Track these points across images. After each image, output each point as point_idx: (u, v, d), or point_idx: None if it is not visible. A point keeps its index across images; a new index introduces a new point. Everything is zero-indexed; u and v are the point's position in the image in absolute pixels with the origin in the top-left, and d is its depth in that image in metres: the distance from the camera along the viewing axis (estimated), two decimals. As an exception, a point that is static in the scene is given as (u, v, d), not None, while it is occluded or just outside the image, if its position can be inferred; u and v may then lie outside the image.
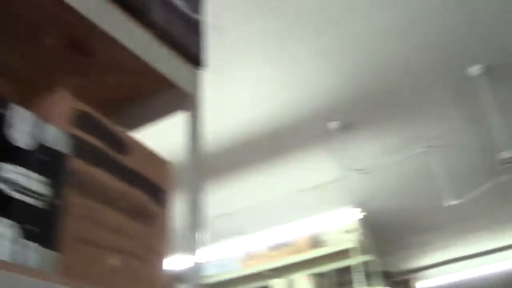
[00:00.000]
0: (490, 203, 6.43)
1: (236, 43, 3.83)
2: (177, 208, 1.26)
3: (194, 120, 1.37)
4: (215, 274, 6.61)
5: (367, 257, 5.97)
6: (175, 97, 1.37)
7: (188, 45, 1.42)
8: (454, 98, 4.74)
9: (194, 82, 1.41)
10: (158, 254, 1.14)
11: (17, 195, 0.83)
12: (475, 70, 4.36)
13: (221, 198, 5.95)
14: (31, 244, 0.83)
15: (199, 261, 1.27)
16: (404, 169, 5.68)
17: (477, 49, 4.21)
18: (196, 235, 1.29)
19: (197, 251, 1.28)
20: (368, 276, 5.94)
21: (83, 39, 1.22)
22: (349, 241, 5.96)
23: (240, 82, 4.24)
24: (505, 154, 4.33)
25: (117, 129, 1.12)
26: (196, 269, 1.26)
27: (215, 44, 3.76)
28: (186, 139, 1.36)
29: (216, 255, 6.84)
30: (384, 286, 6.30)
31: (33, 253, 0.83)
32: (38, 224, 0.86)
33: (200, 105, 1.38)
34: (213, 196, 5.87)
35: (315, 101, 4.54)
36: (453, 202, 5.30)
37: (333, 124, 4.84)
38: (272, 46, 3.90)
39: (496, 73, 4.43)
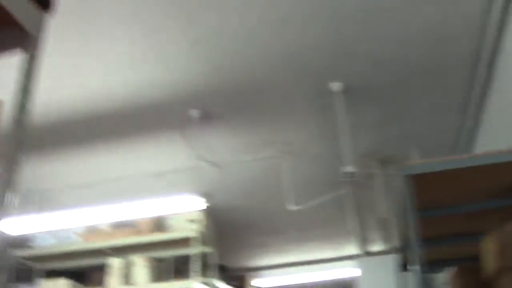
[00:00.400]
0: (329, 214, 6.75)
1: (107, 12, 3.75)
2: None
3: (31, 62, 1.35)
4: (52, 245, 6.42)
5: (206, 249, 6.04)
6: (16, 35, 1.34)
7: (38, -14, 1.40)
8: (313, 109, 4.94)
9: (38, 23, 1.38)
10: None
11: None
12: (335, 86, 4.58)
13: (69, 169, 5.82)
14: None
15: (7, 228, 1.22)
16: (256, 169, 5.84)
17: (341, 68, 4.42)
18: (8, 196, 1.24)
19: (5, 216, 1.22)
20: (205, 267, 6.01)
21: None
22: (192, 230, 5.99)
23: (102, 52, 4.13)
24: (347, 169, 4.58)
25: None
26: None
27: (85, 7, 3.68)
28: (18, 80, 1.33)
29: (55, 226, 6.66)
30: (220, 279, 6.40)
31: None
32: None
33: (41, 48, 1.36)
34: (61, 166, 5.73)
35: (180, 86, 4.56)
36: (296, 208, 5.51)
37: (194, 112, 4.88)
38: (143, 22, 3.85)
39: (354, 93, 4.68)
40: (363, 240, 6.87)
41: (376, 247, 7.31)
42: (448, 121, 5.26)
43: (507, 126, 4.23)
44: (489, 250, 3.21)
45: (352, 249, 7.48)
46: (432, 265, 4.31)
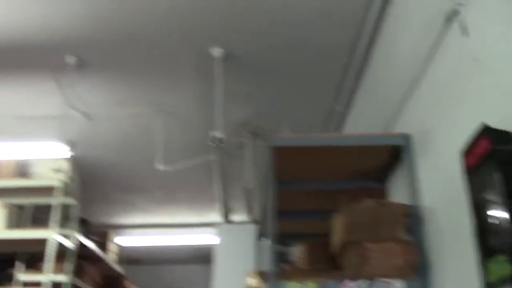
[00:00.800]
0: (196, 179, 6.79)
1: None
2: None
3: None
4: None
5: (69, 200, 5.91)
6: None
7: None
8: (192, 71, 4.94)
9: None
10: None
11: None
12: (216, 52, 4.60)
13: None
14: None
15: None
16: (128, 125, 5.75)
17: (224, 34, 4.45)
18: None
19: None
20: (66, 219, 5.89)
21: None
22: (55, 179, 5.84)
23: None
24: (217, 134, 4.62)
25: None
26: None
27: None
28: None
29: None
30: (80, 233, 6.30)
31: None
32: None
33: None
34: None
35: (59, 28, 4.36)
36: (164, 168, 5.50)
37: (71, 59, 4.71)
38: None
39: (234, 61, 4.72)
40: (227, 209, 6.98)
41: (238, 216, 7.45)
42: (321, 102, 5.43)
43: (374, 113, 4.43)
44: (337, 227, 3.38)
45: (215, 216, 7.57)
46: (286, 238, 4.46)
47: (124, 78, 5.03)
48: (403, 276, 3.15)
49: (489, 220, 2.20)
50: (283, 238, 4.29)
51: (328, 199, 3.80)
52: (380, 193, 3.97)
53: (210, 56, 4.61)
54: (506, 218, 2.06)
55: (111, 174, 6.96)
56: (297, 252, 4.31)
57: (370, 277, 3.13)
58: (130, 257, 9.15)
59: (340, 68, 4.87)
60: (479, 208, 2.32)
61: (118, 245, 8.27)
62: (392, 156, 3.69)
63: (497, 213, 2.12)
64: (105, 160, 6.63)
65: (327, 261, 3.63)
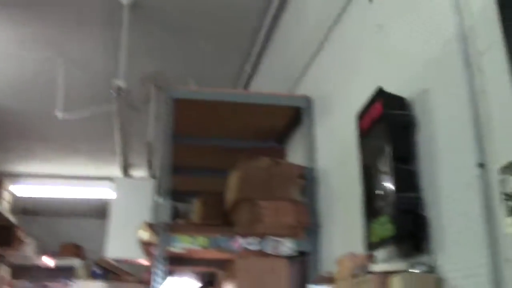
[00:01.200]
0: (97, 130, 6.60)
1: None
2: None
3: None
4: None
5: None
6: None
7: None
8: (99, 17, 4.76)
9: None
10: None
11: None
12: (125, -1, 4.45)
13: None
14: None
15: None
16: (28, 67, 5.47)
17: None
18: None
19: None
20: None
21: None
22: None
23: None
24: (119, 83, 4.48)
25: None
26: None
27: None
28: None
29: None
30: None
31: None
32: None
33: None
34: None
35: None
36: (63, 116, 5.32)
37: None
38: None
39: (143, 11, 4.57)
40: (127, 163, 6.84)
41: (139, 172, 7.33)
42: (230, 61, 5.40)
43: (280, 76, 4.45)
44: (232, 183, 3.38)
45: (115, 170, 7.40)
46: (185, 194, 4.44)
47: (26, 18, 4.77)
48: (293, 235, 3.20)
49: (377, 186, 2.25)
50: (182, 195, 4.28)
51: (228, 157, 3.80)
52: (279, 154, 4.01)
53: (118, 2, 4.44)
54: (391, 186, 2.11)
55: (8, 118, 6.62)
56: (192, 208, 4.31)
57: (261, 235, 3.16)
58: (25, 208, 8.87)
59: (250, 29, 4.84)
60: (368, 173, 2.37)
61: (13, 194, 7.98)
62: (293, 117, 3.72)
63: (384, 180, 2.17)
64: (1, 103, 6.30)
65: (220, 217, 3.64)
